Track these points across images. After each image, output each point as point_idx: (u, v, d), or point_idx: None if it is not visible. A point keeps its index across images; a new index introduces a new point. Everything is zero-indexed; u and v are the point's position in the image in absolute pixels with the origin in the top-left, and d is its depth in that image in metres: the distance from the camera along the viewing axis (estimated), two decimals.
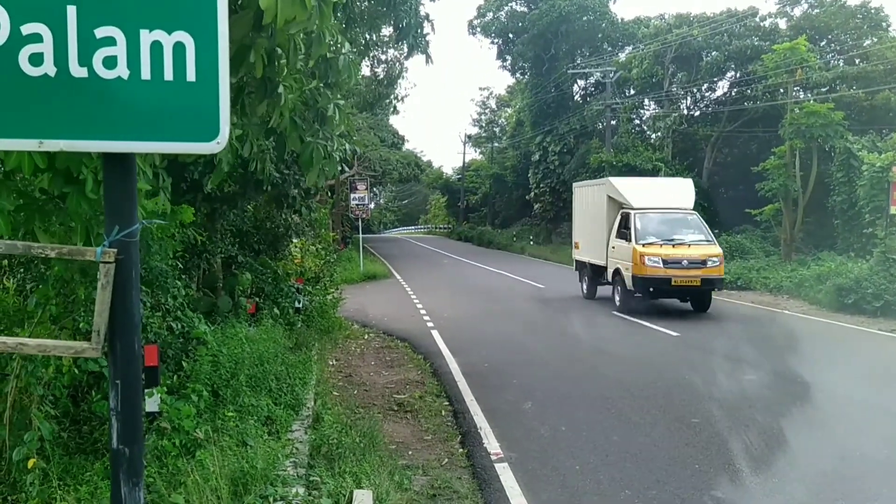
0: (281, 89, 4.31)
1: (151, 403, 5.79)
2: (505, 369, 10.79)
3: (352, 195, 31.84)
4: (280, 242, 14.01)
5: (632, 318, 15.27)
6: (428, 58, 9.64)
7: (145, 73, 2.09)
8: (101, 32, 2.05)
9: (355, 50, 9.88)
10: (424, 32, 9.26)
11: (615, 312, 16.28)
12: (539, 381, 9.93)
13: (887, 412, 8.12)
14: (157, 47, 2.09)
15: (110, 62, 2.07)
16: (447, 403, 8.91)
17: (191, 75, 2.11)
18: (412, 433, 7.69)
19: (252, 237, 12.98)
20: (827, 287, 17.23)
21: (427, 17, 9.07)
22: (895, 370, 10.87)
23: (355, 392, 9.58)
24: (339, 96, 5.20)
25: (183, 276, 9.33)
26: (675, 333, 13.39)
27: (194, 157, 6.59)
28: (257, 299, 11.49)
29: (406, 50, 9.51)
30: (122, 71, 2.08)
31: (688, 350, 12.08)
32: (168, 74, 2.10)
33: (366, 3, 8.57)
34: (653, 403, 8.50)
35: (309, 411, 7.71)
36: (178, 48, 2.10)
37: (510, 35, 45.58)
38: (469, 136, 70.52)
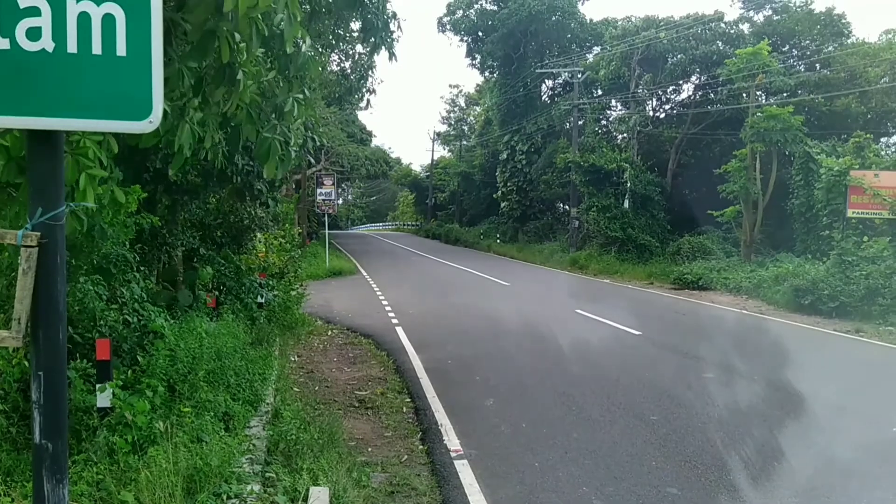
0: (240, 75, 4.22)
1: (103, 399, 5.67)
2: (468, 366, 10.79)
3: (318, 190, 31.59)
4: (243, 236, 13.83)
5: (596, 317, 15.40)
6: (392, 55, 9.53)
7: (72, 46, 1.98)
8: (25, 2, 1.95)
9: (322, 42, 9.78)
10: (391, 31, 9.16)
11: (579, 311, 16.40)
12: (502, 378, 9.95)
13: (840, 409, 8.29)
14: (84, 19, 1.98)
15: (34, 34, 1.96)
16: (409, 400, 8.88)
17: (121, 49, 2.00)
18: (372, 430, 7.65)
19: (215, 230, 12.78)
20: (784, 288, 17.58)
21: (394, 15, 8.98)
22: (848, 369, 11.13)
23: (316, 388, 9.49)
24: (299, 90, 5.11)
25: (142, 269, 9.16)
26: (637, 332, 13.53)
27: (153, 144, 6.44)
28: (218, 293, 11.31)
29: (371, 47, 9.39)
30: (47, 43, 1.97)
31: (649, 348, 12.21)
32: (96, 48, 1.99)
33: None
34: (613, 401, 8.57)
35: (268, 407, 7.62)
36: (108, 20, 1.99)
37: (480, 33, 45.57)
38: (438, 134, 70.45)
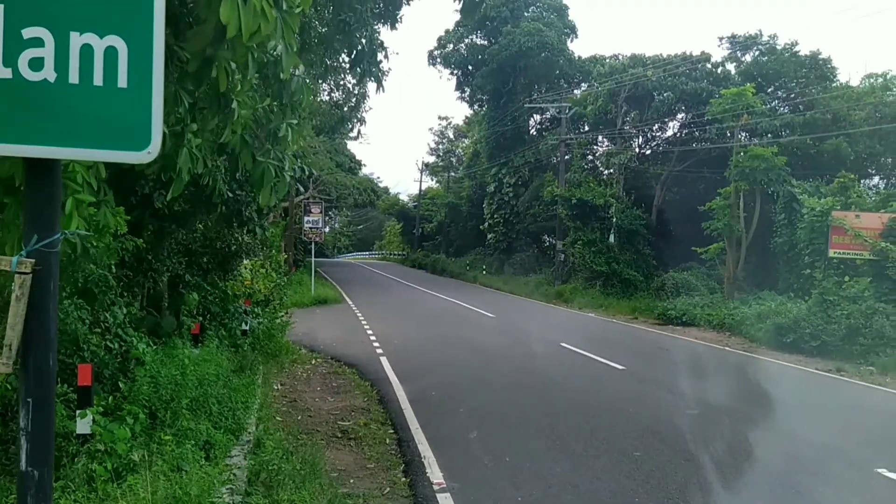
0: (235, 104, 4.27)
1: (83, 425, 5.60)
2: (453, 398, 10.75)
3: (305, 218, 31.60)
4: (230, 263, 13.79)
5: (580, 351, 15.40)
6: (379, 86, 9.63)
7: (73, 77, 2.02)
8: (28, 33, 1.99)
9: (314, 72, 9.88)
10: (378, 61, 9.29)
11: (564, 344, 16.40)
12: (486, 411, 9.91)
13: (824, 448, 8.33)
14: (87, 51, 2.02)
15: (37, 64, 2.00)
16: (392, 431, 8.82)
17: (122, 81, 2.05)
18: (355, 461, 7.58)
19: (201, 257, 12.73)
20: (767, 326, 17.67)
21: (381, 44, 9.11)
22: (830, 409, 11.17)
23: (299, 417, 9.42)
24: (293, 117, 5.17)
25: (125, 294, 9.11)
26: (620, 367, 13.54)
27: (146, 170, 6.48)
28: (202, 320, 11.25)
29: (358, 77, 9.52)
30: (49, 74, 2.01)
31: (633, 383, 12.23)
32: (98, 79, 2.04)
33: (324, 29, 8.59)
34: (597, 436, 8.56)
35: (250, 436, 7.55)
36: (110, 52, 2.04)
37: (469, 67, 46.18)
38: (426, 165, 70.86)
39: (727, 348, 17.27)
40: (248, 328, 12.45)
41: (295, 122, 5.30)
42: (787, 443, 8.33)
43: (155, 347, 8.53)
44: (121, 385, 7.09)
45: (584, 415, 9.70)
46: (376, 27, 9.62)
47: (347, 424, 9.09)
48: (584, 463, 7.53)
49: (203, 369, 8.06)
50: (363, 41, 8.63)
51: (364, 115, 15.00)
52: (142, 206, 9.70)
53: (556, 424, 9.09)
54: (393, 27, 9.77)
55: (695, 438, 8.41)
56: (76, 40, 2.02)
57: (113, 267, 7.55)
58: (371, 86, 9.45)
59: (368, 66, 8.78)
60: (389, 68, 9.53)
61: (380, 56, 9.37)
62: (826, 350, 15.76)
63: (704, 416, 9.70)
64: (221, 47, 3.74)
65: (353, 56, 8.67)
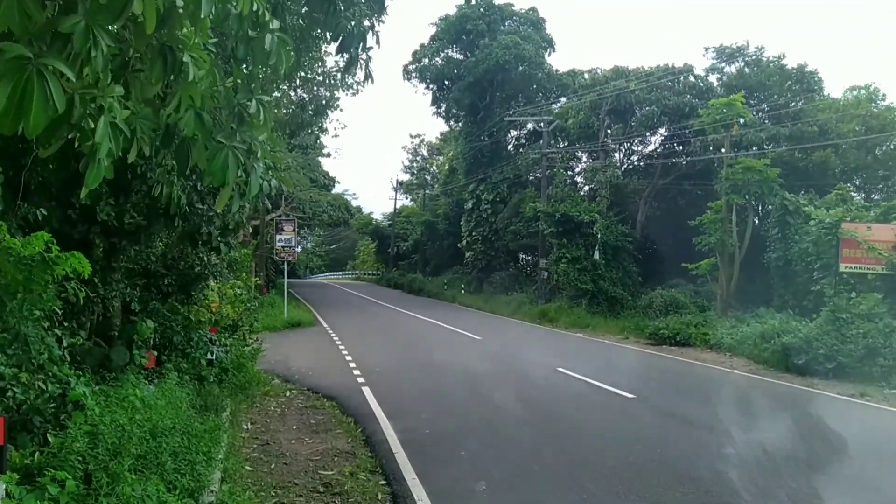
0: (187, 58, 2.97)
1: None
2: (450, 437, 9.40)
3: (277, 236, 30.07)
4: (193, 285, 12.32)
5: (580, 377, 14.13)
6: (368, 75, 8.38)
7: None
8: None
9: (289, 40, 8.58)
10: (368, 46, 8.02)
11: (560, 369, 15.14)
12: (491, 454, 8.55)
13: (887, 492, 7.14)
14: None
15: None
16: (384, 483, 7.44)
17: None
18: None
19: (160, 278, 11.29)
20: (773, 346, 16.53)
21: (372, 27, 7.85)
22: (874, 442, 9.93)
23: (273, 466, 8.02)
24: (261, 91, 3.85)
25: (66, 324, 7.68)
26: (630, 395, 12.27)
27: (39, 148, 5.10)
28: (159, 352, 9.81)
29: (345, 63, 8.23)
30: None
31: (649, 415, 10.97)
32: None
33: (304, 9, 7.30)
34: (628, 486, 7.22)
35: (213, 496, 6.15)
36: None
37: (446, 81, 45.15)
38: (400, 183, 69.73)
39: (734, 371, 16.10)
40: (213, 358, 11.02)
41: (267, 98, 4.01)
42: (858, 490, 7.09)
43: (100, 387, 7.11)
44: (50, 439, 5.68)
45: (606, 458, 8.37)
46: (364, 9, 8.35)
47: (330, 474, 7.70)
48: None
49: (156, 415, 6.64)
50: (352, 22, 7.35)
51: (337, 132, 13.67)
52: (84, 219, 8.30)
53: (577, 472, 7.76)
54: (382, 13, 8.50)
55: (747, 487, 7.11)
56: None
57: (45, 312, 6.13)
58: (345, 98, 8.19)
59: (356, 51, 7.50)
60: (372, 52, 8.21)
61: (371, 41, 8.11)
62: (843, 372, 14.61)
63: (745, 456, 8.38)
64: None
65: (340, 40, 7.37)
